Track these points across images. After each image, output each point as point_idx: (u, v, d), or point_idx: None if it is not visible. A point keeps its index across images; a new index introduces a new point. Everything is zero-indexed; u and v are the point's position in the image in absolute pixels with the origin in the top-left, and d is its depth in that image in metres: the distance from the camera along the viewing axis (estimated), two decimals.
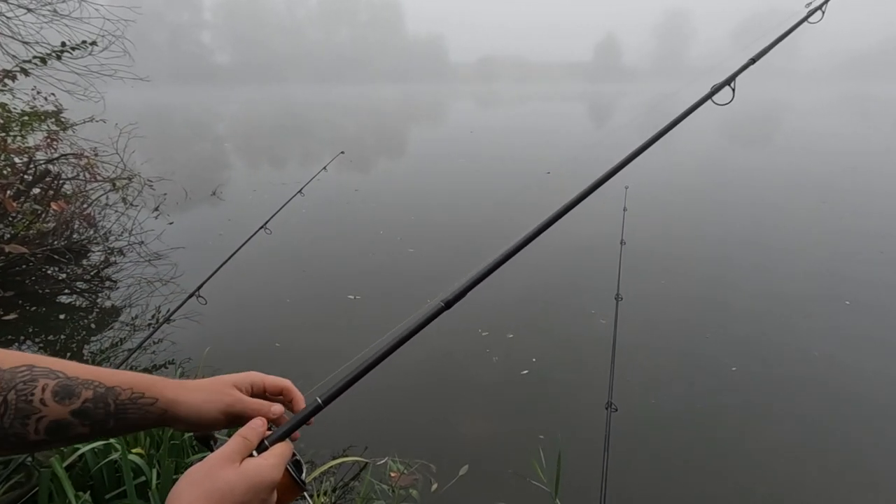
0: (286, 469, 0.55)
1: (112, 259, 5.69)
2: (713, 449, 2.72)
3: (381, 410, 3.06)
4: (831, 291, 4.64)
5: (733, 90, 0.90)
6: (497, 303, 4.41)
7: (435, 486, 2.46)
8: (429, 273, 4.98)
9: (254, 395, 0.63)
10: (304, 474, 0.58)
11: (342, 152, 3.53)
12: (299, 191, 3.05)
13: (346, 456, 2.59)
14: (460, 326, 3.99)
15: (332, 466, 2.45)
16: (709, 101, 0.91)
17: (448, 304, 0.68)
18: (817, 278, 4.98)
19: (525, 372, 3.39)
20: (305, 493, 0.58)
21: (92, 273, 5.30)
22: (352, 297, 4.55)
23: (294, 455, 0.58)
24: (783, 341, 3.79)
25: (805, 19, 1.07)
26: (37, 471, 1.80)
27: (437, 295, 0.68)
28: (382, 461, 2.59)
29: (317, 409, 0.60)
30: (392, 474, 2.48)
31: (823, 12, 1.07)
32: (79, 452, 1.96)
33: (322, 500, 2.22)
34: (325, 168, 3.36)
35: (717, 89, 0.91)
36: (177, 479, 1.75)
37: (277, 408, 0.62)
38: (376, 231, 6.55)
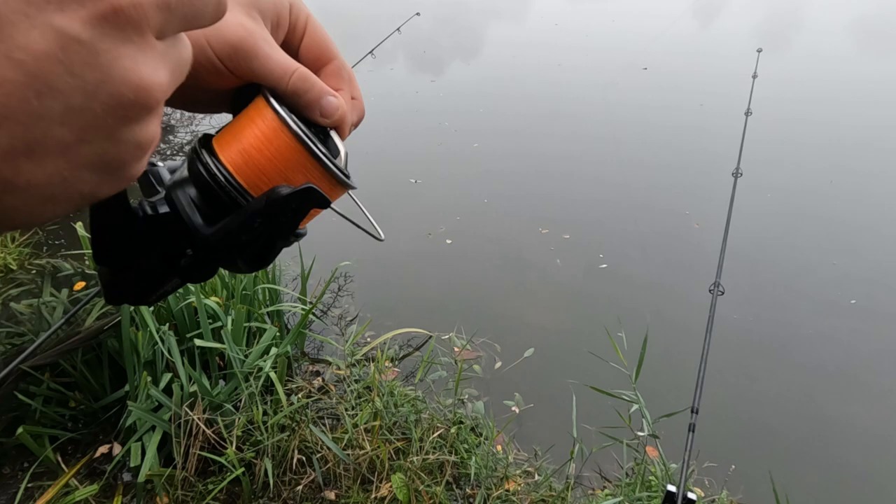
0: (294, 127, 0.28)
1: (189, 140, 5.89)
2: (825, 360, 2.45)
3: (443, 296, 3.01)
4: None
5: None
6: (584, 186, 4.10)
7: (499, 364, 2.41)
8: (491, 167, 4.67)
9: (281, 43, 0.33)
10: (343, 162, 0.32)
11: (417, 13, 3.18)
12: (370, 52, 2.81)
13: (411, 328, 2.58)
14: (536, 214, 3.76)
15: (395, 335, 2.45)
16: None
17: None
18: None
19: (604, 266, 3.16)
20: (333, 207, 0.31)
21: (177, 149, 5.53)
22: (413, 180, 4.41)
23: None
24: None
25: None
26: None
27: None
28: (446, 336, 2.56)
29: None
30: (455, 348, 2.44)
31: None
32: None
33: (386, 364, 2.23)
34: (398, 30, 3.07)
35: None
36: (248, 328, 1.68)
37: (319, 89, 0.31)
38: (441, 122, 6.24)
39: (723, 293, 1.47)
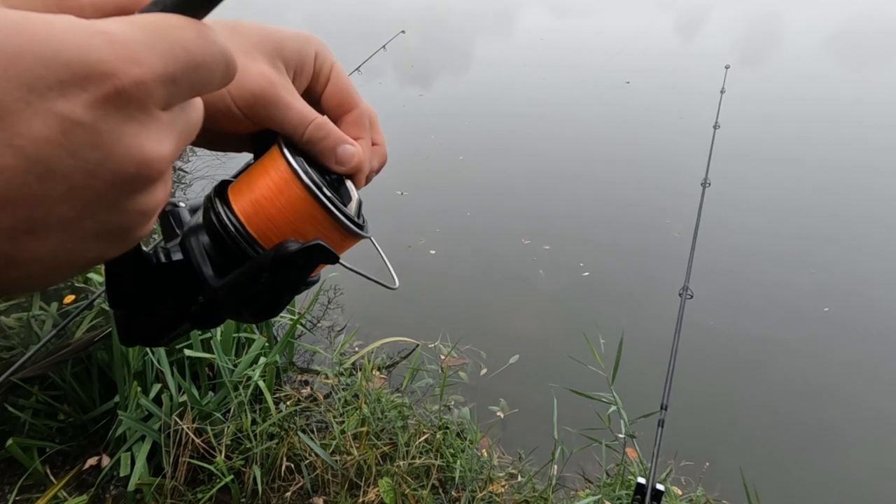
0: (305, 179, 0.28)
1: (186, 157, 5.92)
2: (787, 368, 2.53)
3: (430, 305, 3.06)
4: None
5: None
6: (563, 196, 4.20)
7: (484, 371, 2.47)
8: (475, 179, 4.77)
9: (303, 93, 0.33)
10: (355, 209, 0.31)
11: (402, 31, 3.28)
12: (357, 69, 2.89)
13: (398, 336, 2.63)
14: (517, 229, 3.85)
15: (383, 343, 2.49)
16: None
17: None
18: None
19: (586, 274, 3.24)
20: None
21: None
22: (400, 192, 4.49)
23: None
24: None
25: None
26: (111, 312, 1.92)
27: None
28: (432, 345, 2.61)
29: None
30: (441, 356, 2.50)
31: None
32: None
33: (373, 372, 2.27)
34: (383, 47, 3.16)
35: None
36: (237, 338, 1.75)
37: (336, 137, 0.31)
38: (428, 135, 6.35)
39: (692, 297, 1.55)
